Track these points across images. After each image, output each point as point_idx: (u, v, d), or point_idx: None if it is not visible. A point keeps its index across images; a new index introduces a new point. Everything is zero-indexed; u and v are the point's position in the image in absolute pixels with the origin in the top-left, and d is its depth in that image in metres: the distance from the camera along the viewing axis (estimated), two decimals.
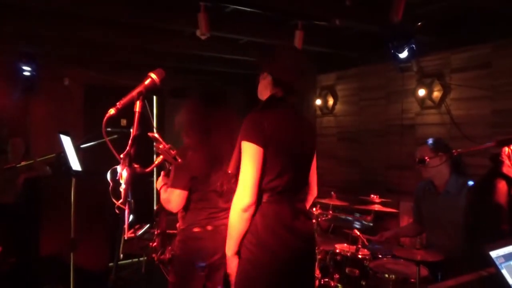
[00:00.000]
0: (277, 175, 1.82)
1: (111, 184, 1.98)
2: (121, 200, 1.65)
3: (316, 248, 2.99)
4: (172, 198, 2.29)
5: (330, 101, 5.17)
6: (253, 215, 1.81)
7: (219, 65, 5.27)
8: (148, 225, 3.31)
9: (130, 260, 4.10)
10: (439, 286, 2.00)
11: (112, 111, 1.58)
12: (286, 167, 1.83)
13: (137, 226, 4.22)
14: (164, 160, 1.77)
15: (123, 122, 6.06)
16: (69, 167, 2.66)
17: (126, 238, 3.27)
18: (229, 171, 1.84)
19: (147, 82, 1.66)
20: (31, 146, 5.04)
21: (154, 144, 1.75)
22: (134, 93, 1.62)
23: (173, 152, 1.75)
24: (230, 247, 1.86)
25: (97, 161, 3.07)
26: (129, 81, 5.59)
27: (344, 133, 5.05)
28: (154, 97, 5.92)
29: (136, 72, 5.52)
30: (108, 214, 4.68)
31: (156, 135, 1.72)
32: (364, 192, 4.29)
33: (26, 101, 5.13)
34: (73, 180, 2.78)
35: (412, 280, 2.70)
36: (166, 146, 1.73)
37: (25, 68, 4.74)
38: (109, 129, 3.14)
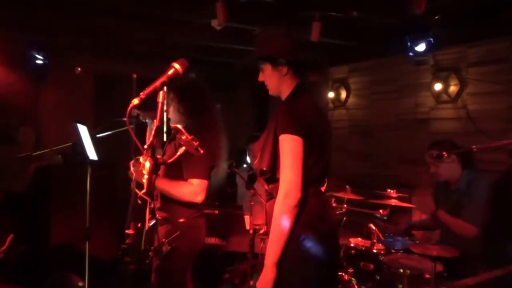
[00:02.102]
0: (312, 166, 1.79)
1: (133, 174, 1.98)
2: (144, 190, 1.64)
3: None
4: (201, 189, 2.24)
5: (343, 94, 5.14)
6: None
7: (230, 57, 5.23)
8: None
9: None
10: (459, 283, 1.97)
11: (136, 101, 1.57)
12: (319, 157, 1.81)
13: (149, 217, 4.23)
14: (186, 151, 1.75)
15: (134, 112, 6.09)
16: (86, 156, 2.65)
17: (146, 228, 3.26)
18: (264, 168, 1.78)
19: (170, 72, 1.64)
20: (42, 135, 5.06)
21: (176, 135, 1.73)
22: (158, 83, 1.61)
23: (195, 143, 1.73)
24: (275, 253, 1.73)
25: (106, 150, 3.08)
26: (140, 72, 5.62)
27: (356, 126, 5.02)
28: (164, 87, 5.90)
29: (147, 63, 5.56)
30: (118, 203, 4.74)
31: (179, 126, 1.70)
32: (374, 186, 4.27)
33: (37, 89, 5.13)
34: (89, 169, 2.78)
35: (427, 275, 2.68)
36: (189, 137, 1.71)
37: (36, 56, 4.74)
38: (124, 118, 3.13)
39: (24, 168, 4.64)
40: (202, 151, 1.83)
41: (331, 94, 5.29)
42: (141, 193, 1.66)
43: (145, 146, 1.58)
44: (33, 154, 3.05)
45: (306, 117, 1.79)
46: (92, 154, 2.69)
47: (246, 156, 4.84)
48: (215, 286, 3.68)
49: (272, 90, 1.94)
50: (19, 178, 4.66)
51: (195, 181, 2.23)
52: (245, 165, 4.63)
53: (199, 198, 2.24)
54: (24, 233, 4.68)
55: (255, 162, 1.88)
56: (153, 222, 3.83)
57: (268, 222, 1.90)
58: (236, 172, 3.68)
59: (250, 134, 4.64)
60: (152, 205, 2.13)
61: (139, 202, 2.55)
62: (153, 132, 1.60)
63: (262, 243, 2.89)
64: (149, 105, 1.58)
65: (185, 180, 2.25)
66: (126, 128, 2.95)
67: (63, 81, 5.20)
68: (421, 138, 4.14)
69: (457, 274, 2.68)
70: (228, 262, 3.79)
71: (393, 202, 2.75)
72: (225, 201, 3.93)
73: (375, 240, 2.86)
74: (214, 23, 3.25)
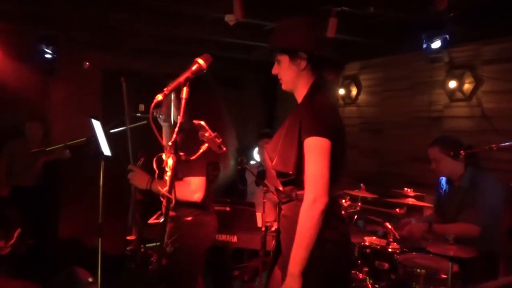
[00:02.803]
0: (333, 168, 1.71)
1: (156, 171, 1.95)
2: (166, 188, 1.61)
3: None
4: (199, 187, 2.16)
5: (354, 91, 5.09)
6: None
7: (240, 52, 5.19)
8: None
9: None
10: (490, 284, 1.94)
11: (159, 96, 1.54)
12: (339, 159, 1.74)
13: (159, 213, 4.21)
14: (208, 149, 1.72)
15: (141, 107, 6.06)
16: (101, 152, 2.63)
17: (151, 223, 3.24)
18: (290, 172, 1.71)
19: (194, 67, 1.60)
20: (50, 129, 5.04)
21: (199, 132, 1.70)
22: (181, 79, 1.58)
23: (218, 141, 1.70)
24: (303, 260, 1.66)
25: (113, 146, 3.05)
26: (148, 67, 5.59)
27: (367, 124, 4.98)
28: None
29: (156, 58, 5.52)
30: (126, 198, 4.72)
31: (202, 122, 1.67)
32: (385, 184, 4.25)
33: (45, 84, 5.11)
34: (102, 165, 2.75)
35: (443, 275, 2.66)
36: (212, 134, 1.68)
37: (46, 50, 4.71)
38: (138, 114, 3.10)
39: (33, 163, 4.63)
40: (225, 149, 1.81)
41: (341, 91, 5.25)
42: (163, 190, 1.63)
43: (169, 143, 1.55)
44: (47, 149, 3.01)
45: (331, 118, 1.75)
46: (106, 150, 2.66)
47: (253, 153, 4.82)
48: (225, 283, 3.66)
49: (286, 85, 1.86)
50: (28, 173, 4.65)
51: (191, 179, 2.15)
52: (253, 162, 4.60)
53: (196, 196, 2.17)
54: (32, 227, 4.68)
55: (274, 163, 1.78)
56: (162, 219, 3.80)
57: (284, 224, 1.84)
58: (247, 169, 3.65)
59: (259, 131, 4.61)
60: (173, 204, 2.10)
61: (139, 197, 2.54)
62: (176, 129, 1.56)
63: (273, 241, 2.87)
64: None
65: (181, 179, 2.17)
66: (140, 123, 2.95)
67: (72, 75, 5.18)
68: (434, 136, 4.08)
69: (474, 274, 2.67)
70: (238, 259, 3.77)
71: (411, 201, 2.72)
72: (236, 198, 3.90)
73: (391, 239, 2.84)
74: (228, 18, 3.20)
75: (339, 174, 1.78)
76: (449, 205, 2.97)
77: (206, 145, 1.71)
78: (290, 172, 1.70)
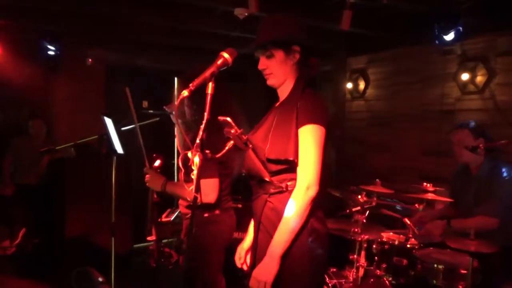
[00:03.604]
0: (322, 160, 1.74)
1: (182, 170, 1.90)
2: (192, 187, 1.56)
3: (360, 236, 2.92)
4: (212, 188, 2.17)
5: (361, 85, 5.04)
6: None
7: (243, 47, 5.10)
8: (179, 210, 3.25)
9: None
10: None
11: (185, 92, 1.48)
12: (327, 152, 1.75)
13: (169, 211, 4.16)
14: (234, 146, 1.67)
15: (145, 104, 5.99)
16: (114, 149, 2.57)
17: (161, 221, 3.21)
18: (290, 158, 1.69)
19: (219, 62, 1.55)
20: (53, 127, 4.97)
21: (225, 128, 1.65)
22: (207, 73, 1.52)
23: (244, 137, 1.65)
24: (285, 244, 1.68)
25: (121, 143, 3.00)
26: (152, 62, 5.50)
27: (376, 118, 4.92)
28: (176, 78, 5.81)
29: (159, 53, 5.43)
30: (133, 197, 4.69)
31: (228, 119, 1.61)
32: (395, 179, 4.21)
33: (48, 81, 5.04)
34: (114, 162, 2.70)
35: (462, 271, 2.62)
36: (238, 131, 1.63)
37: (48, 47, 4.64)
38: (151, 110, 3.04)
39: (37, 161, 4.57)
40: (251, 146, 1.76)
41: (349, 85, 5.19)
42: (189, 189, 1.58)
43: (197, 141, 1.49)
44: (56, 148, 2.95)
45: (326, 109, 1.76)
46: (118, 147, 2.61)
47: None
48: (238, 280, 3.63)
49: (278, 80, 1.82)
50: (32, 171, 4.60)
51: (204, 182, 2.14)
52: None
53: (210, 198, 2.17)
54: (38, 226, 4.63)
55: (267, 151, 1.73)
56: (175, 215, 3.75)
57: (271, 217, 1.78)
58: None
59: None
60: (200, 201, 2.06)
61: (156, 199, 2.51)
62: (202, 126, 1.50)
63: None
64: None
65: (186, 178, 2.17)
66: (152, 120, 2.89)
67: (75, 72, 5.11)
68: (446, 129, 4.05)
69: (495, 269, 2.63)
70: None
71: (430, 196, 2.68)
72: (247, 195, 3.85)
73: (410, 235, 2.80)
74: (238, 11, 3.14)
75: (324, 166, 1.77)
76: (465, 196, 2.93)
77: (232, 142, 1.67)
78: (291, 158, 1.68)
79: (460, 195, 3.00)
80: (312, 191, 1.67)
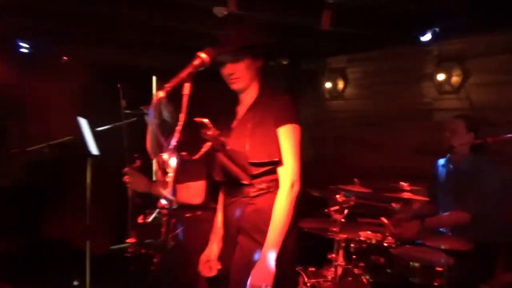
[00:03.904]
0: None
1: (159, 172, 1.87)
2: (168, 189, 1.53)
3: (338, 235, 2.93)
4: (200, 190, 2.18)
5: (340, 85, 5.06)
6: None
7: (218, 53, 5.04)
8: (157, 210, 3.20)
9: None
10: (501, 280, 1.94)
11: (161, 93, 1.45)
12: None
13: (146, 212, 4.10)
14: (211, 147, 1.65)
15: (123, 103, 5.89)
16: (88, 150, 2.52)
17: (140, 223, 3.15)
18: (276, 158, 1.73)
19: (196, 62, 1.53)
20: (29, 127, 4.85)
21: (202, 130, 1.63)
22: (184, 74, 1.49)
23: (222, 139, 1.64)
24: (279, 243, 1.73)
25: (99, 144, 2.94)
26: (131, 60, 5.40)
27: (354, 118, 4.96)
28: (154, 77, 5.73)
29: (140, 51, 5.33)
30: (114, 198, 4.60)
31: (205, 120, 1.60)
32: (377, 177, 4.23)
33: (22, 80, 4.90)
34: (89, 164, 2.64)
35: (438, 268, 2.66)
36: (216, 133, 1.61)
37: (21, 44, 4.52)
38: (128, 110, 2.98)
39: (11, 162, 4.45)
40: (228, 148, 1.74)
41: (328, 84, 5.21)
42: (165, 193, 1.55)
43: (174, 143, 1.46)
44: (27, 149, 2.88)
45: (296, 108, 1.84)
46: (94, 149, 2.55)
47: None
48: (219, 280, 3.61)
49: (244, 84, 1.84)
50: (6, 173, 4.47)
51: (192, 184, 2.15)
52: None
53: (199, 199, 2.18)
54: (14, 229, 4.51)
55: (250, 155, 1.76)
56: (153, 216, 3.71)
57: (254, 219, 1.81)
58: None
59: None
60: (175, 205, 2.02)
61: (137, 201, 2.47)
62: (179, 128, 1.48)
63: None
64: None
65: (181, 183, 2.14)
66: (129, 120, 2.83)
67: (51, 71, 4.97)
68: (423, 129, 4.12)
69: (470, 266, 2.68)
70: None
71: (407, 195, 2.71)
72: None
73: (387, 234, 2.83)
74: (217, 10, 3.10)
75: None
76: (445, 189, 2.98)
77: (210, 144, 1.65)
78: (276, 159, 1.72)
79: (440, 189, 3.05)
80: (297, 188, 1.74)
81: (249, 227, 1.80)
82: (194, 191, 2.15)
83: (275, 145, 1.74)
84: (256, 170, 1.76)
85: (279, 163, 1.74)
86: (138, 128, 2.86)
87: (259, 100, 1.83)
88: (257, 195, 1.80)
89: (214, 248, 2.01)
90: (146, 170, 1.93)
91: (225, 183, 1.90)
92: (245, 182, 1.80)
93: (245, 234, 1.81)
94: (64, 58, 5.02)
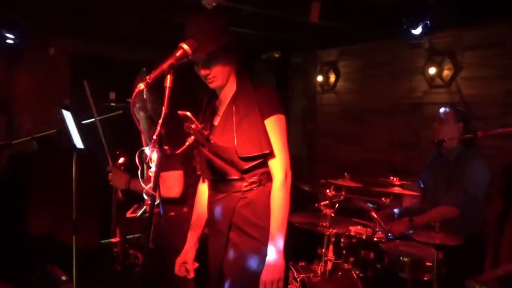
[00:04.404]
0: None
1: (139, 167, 1.82)
2: (150, 185, 1.49)
3: (328, 230, 2.91)
4: (175, 182, 2.10)
5: (332, 78, 5.03)
6: None
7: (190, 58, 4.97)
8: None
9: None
10: (488, 276, 1.93)
11: (141, 85, 1.39)
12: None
13: (135, 206, 4.06)
14: (195, 141, 1.60)
15: (112, 95, 5.81)
16: (73, 144, 2.46)
17: (128, 217, 3.10)
18: (267, 151, 1.69)
19: (178, 53, 1.47)
20: (15, 120, 4.76)
21: (185, 123, 1.58)
22: (165, 66, 1.44)
23: (206, 133, 1.59)
24: (283, 235, 1.69)
25: (86, 137, 2.88)
26: (119, 53, 5.32)
27: (346, 111, 4.94)
28: (144, 69, 5.64)
29: (127, 44, 5.26)
30: (100, 192, 4.54)
31: (188, 113, 1.55)
32: (366, 172, 4.23)
33: (8, 72, 4.80)
34: (75, 158, 2.58)
35: (428, 263, 2.65)
36: (199, 126, 1.56)
37: (7, 35, 4.42)
38: (113, 103, 2.92)
39: None
40: (213, 142, 1.70)
41: (319, 78, 5.17)
42: (147, 188, 1.51)
43: (154, 137, 1.41)
44: (12, 142, 2.80)
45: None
46: (78, 142, 2.49)
47: None
48: (207, 280, 3.58)
49: (222, 81, 1.77)
50: None
51: (167, 174, 2.07)
52: None
53: (174, 192, 2.11)
54: (0, 224, 4.44)
55: (239, 150, 1.71)
56: (141, 210, 3.66)
57: (245, 214, 1.76)
58: None
59: None
60: (158, 200, 1.98)
61: (120, 199, 2.42)
62: (161, 121, 1.43)
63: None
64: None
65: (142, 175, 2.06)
66: (115, 113, 2.78)
67: (37, 63, 4.88)
68: (414, 122, 4.10)
69: (460, 261, 2.67)
70: None
71: (397, 190, 2.69)
72: None
73: (377, 229, 2.81)
74: (206, 1, 3.06)
75: None
76: (436, 179, 2.96)
77: (193, 137, 1.61)
78: (267, 151, 1.70)
79: (430, 181, 3.03)
80: (290, 177, 1.73)
81: (241, 221, 1.76)
82: (169, 183, 2.08)
83: (265, 137, 1.70)
84: (247, 164, 1.72)
85: (270, 155, 1.71)
86: (128, 120, 2.80)
87: (240, 93, 1.78)
88: (249, 189, 1.76)
89: (190, 248, 1.95)
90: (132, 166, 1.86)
91: (212, 180, 1.84)
92: (235, 177, 1.75)
93: (237, 230, 1.76)
94: (52, 50, 4.92)
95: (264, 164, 1.74)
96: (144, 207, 3.87)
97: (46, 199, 4.36)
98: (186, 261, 1.93)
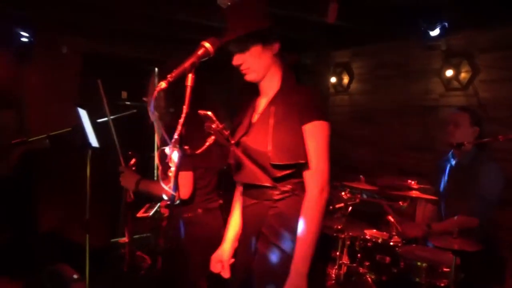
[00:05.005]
0: None
1: (159, 167, 1.79)
2: (170, 185, 1.46)
3: (343, 233, 2.87)
4: (184, 182, 2.04)
5: (345, 79, 4.98)
6: None
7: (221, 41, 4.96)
8: (158, 204, 3.14)
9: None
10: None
11: (163, 84, 1.37)
12: None
13: (147, 206, 4.04)
14: (215, 141, 1.57)
15: (124, 94, 5.80)
16: (88, 142, 2.44)
17: (139, 217, 3.08)
18: (302, 161, 1.54)
19: (200, 52, 1.44)
20: (26, 118, 4.77)
21: (205, 123, 1.55)
22: (187, 64, 1.41)
23: (226, 133, 1.56)
24: (310, 258, 1.52)
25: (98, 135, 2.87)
26: (131, 51, 5.31)
27: (359, 112, 4.89)
28: (156, 69, 5.64)
29: (139, 42, 5.25)
30: (110, 190, 4.54)
31: (209, 113, 1.52)
32: (378, 174, 4.18)
33: (20, 69, 4.81)
34: (89, 156, 2.57)
35: (445, 268, 2.60)
36: (220, 126, 1.53)
37: (22, 33, 4.43)
38: (128, 102, 2.90)
39: (5, 153, 4.37)
40: (233, 142, 1.67)
41: (333, 79, 5.13)
42: (166, 188, 1.48)
43: (175, 136, 1.38)
44: (29, 140, 2.80)
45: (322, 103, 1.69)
46: (93, 141, 2.47)
47: None
48: (221, 284, 3.55)
49: (258, 74, 1.65)
50: (1, 163, 4.40)
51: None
52: None
53: (183, 192, 2.05)
54: (10, 220, 4.45)
55: (272, 156, 1.56)
56: (154, 210, 3.65)
57: (275, 224, 1.61)
58: None
59: None
60: (178, 201, 1.95)
61: (130, 199, 2.40)
62: (181, 120, 1.40)
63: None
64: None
65: (163, 175, 2.05)
66: (130, 112, 2.76)
67: (49, 60, 4.88)
68: (429, 125, 4.04)
69: (477, 267, 2.62)
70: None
71: (414, 193, 2.64)
72: (229, 190, 3.76)
73: (394, 233, 2.76)
74: (221, 0, 3.02)
75: None
76: (450, 184, 2.89)
77: (213, 137, 1.57)
78: (302, 162, 1.54)
79: (445, 185, 2.96)
80: (326, 193, 1.55)
81: (270, 232, 1.61)
82: (179, 183, 2.04)
83: (300, 145, 1.54)
84: (279, 173, 1.57)
85: (304, 166, 1.55)
86: (140, 119, 2.79)
87: (282, 93, 1.63)
88: (281, 199, 1.61)
89: (227, 248, 1.84)
90: (145, 164, 1.83)
91: (243, 184, 1.73)
92: (267, 184, 1.62)
93: (265, 240, 1.62)
94: (65, 48, 4.93)
95: (300, 174, 1.59)
96: (156, 207, 3.86)
97: (56, 197, 4.37)
98: (222, 259, 1.84)
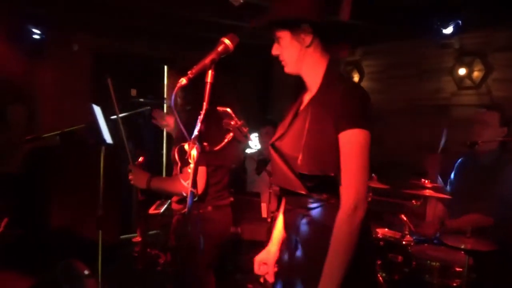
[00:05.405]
0: None
1: (179, 164, 1.80)
2: (189, 181, 1.47)
3: None
4: (198, 177, 2.05)
5: (356, 78, 4.97)
6: None
7: (238, 35, 4.96)
8: (169, 201, 3.16)
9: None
10: None
11: (183, 80, 1.38)
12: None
13: (158, 203, 4.07)
14: (233, 138, 1.58)
15: (133, 92, 5.83)
16: (103, 139, 2.46)
17: (150, 214, 3.10)
18: (331, 174, 1.41)
19: (220, 48, 1.44)
20: (37, 114, 4.80)
21: (224, 120, 1.55)
22: (207, 60, 1.41)
23: (245, 130, 1.56)
24: (339, 280, 1.36)
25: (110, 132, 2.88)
26: (142, 49, 5.33)
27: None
28: (165, 67, 5.66)
29: (149, 40, 5.26)
30: (122, 187, 4.57)
31: (228, 109, 1.52)
32: (389, 174, 4.15)
33: (32, 66, 4.85)
34: (103, 153, 2.59)
35: (457, 268, 2.59)
36: (239, 123, 1.53)
37: (34, 30, 4.47)
38: (141, 99, 2.92)
39: (15, 148, 4.41)
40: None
41: None
42: (186, 183, 1.49)
43: (196, 133, 1.39)
44: (43, 136, 2.83)
45: (368, 107, 1.47)
46: (108, 137, 2.49)
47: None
48: (228, 274, 3.56)
49: (289, 67, 1.54)
50: (10, 159, 4.43)
51: (186, 170, 2.01)
52: (250, 150, 4.43)
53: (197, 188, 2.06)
54: (22, 216, 4.48)
55: (300, 164, 1.43)
56: (164, 207, 3.66)
57: (309, 233, 1.52)
58: (248, 157, 3.52)
59: (253, 116, 4.45)
60: (196, 197, 1.96)
61: (141, 198, 2.41)
62: (201, 117, 1.40)
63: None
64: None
65: (180, 171, 2.07)
66: (143, 109, 2.77)
67: (61, 57, 4.92)
68: (441, 124, 4.01)
69: (491, 267, 2.60)
70: (240, 250, 3.67)
71: (428, 192, 2.62)
72: (240, 188, 3.78)
73: (406, 232, 2.75)
74: None
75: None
76: (468, 184, 2.86)
77: (232, 134, 1.58)
78: (331, 174, 1.40)
79: (462, 184, 2.92)
80: (362, 211, 1.37)
81: (304, 242, 1.52)
82: (204, 176, 2.05)
83: (333, 156, 1.40)
84: (309, 183, 1.45)
85: (334, 179, 1.40)
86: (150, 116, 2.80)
87: (322, 92, 1.49)
88: (315, 207, 1.49)
89: (272, 250, 1.72)
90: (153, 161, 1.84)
91: (282, 191, 1.63)
92: (301, 192, 1.49)
93: (300, 248, 1.53)
94: (76, 45, 4.97)
95: (333, 187, 1.43)
96: (167, 203, 3.88)
97: (68, 193, 4.39)
98: (268, 262, 1.72)
